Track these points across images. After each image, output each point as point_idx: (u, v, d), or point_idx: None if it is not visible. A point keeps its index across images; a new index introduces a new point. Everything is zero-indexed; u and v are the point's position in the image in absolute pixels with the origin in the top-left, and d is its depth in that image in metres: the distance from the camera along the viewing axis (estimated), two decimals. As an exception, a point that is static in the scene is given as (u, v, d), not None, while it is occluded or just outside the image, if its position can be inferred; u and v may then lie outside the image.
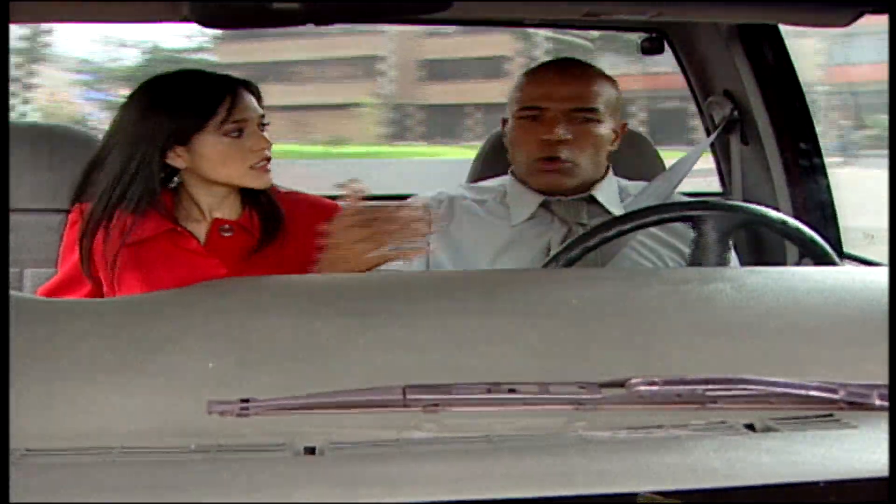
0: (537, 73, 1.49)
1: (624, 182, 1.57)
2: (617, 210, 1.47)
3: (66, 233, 1.54)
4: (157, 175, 1.47)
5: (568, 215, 1.46)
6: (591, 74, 1.47)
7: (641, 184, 1.58)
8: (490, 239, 1.46)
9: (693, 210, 1.26)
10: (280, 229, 1.55)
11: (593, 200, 1.48)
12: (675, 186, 1.59)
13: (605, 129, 1.45)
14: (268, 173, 1.51)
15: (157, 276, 1.43)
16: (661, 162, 1.80)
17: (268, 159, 1.51)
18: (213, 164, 1.48)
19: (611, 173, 1.53)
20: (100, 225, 1.45)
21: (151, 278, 1.43)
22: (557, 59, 1.54)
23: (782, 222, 1.25)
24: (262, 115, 1.52)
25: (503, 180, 1.54)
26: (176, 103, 1.46)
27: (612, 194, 1.50)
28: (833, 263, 1.23)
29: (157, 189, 1.48)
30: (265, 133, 1.51)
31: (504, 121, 1.55)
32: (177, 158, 1.48)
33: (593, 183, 1.49)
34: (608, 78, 1.49)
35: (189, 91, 1.47)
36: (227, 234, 1.54)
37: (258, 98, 1.52)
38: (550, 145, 1.42)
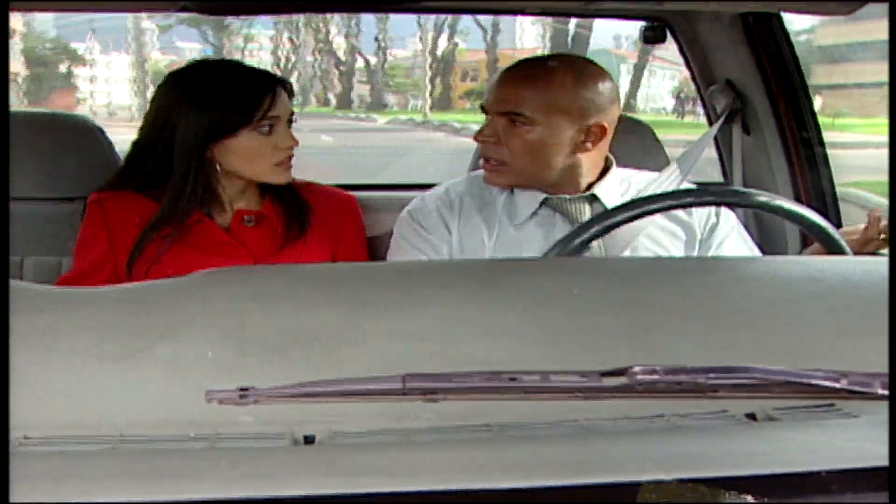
0: (499, 75, 1.50)
1: (626, 172, 1.56)
2: None
3: (86, 222, 1.53)
4: (207, 170, 1.49)
5: (572, 213, 1.47)
6: (534, 78, 1.43)
7: (645, 174, 1.58)
8: (494, 237, 1.46)
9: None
10: (307, 220, 1.56)
11: (595, 199, 1.48)
12: (686, 176, 1.58)
13: (547, 132, 1.42)
14: (290, 170, 1.53)
15: (185, 266, 1.43)
16: (663, 150, 1.79)
17: (292, 157, 1.52)
18: (241, 159, 1.49)
19: (613, 170, 1.52)
20: (173, 223, 1.46)
21: (180, 268, 1.43)
22: (525, 60, 1.52)
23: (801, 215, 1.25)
24: (293, 113, 1.53)
25: None
26: (223, 99, 1.47)
27: (614, 192, 1.50)
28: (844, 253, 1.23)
29: (211, 183, 1.50)
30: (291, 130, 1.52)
31: None
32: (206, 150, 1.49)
33: (593, 182, 1.49)
34: (573, 81, 1.43)
35: (236, 87, 1.48)
36: (249, 225, 1.55)
37: (291, 96, 1.54)
38: (481, 144, 1.48)
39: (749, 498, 0.55)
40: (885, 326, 0.74)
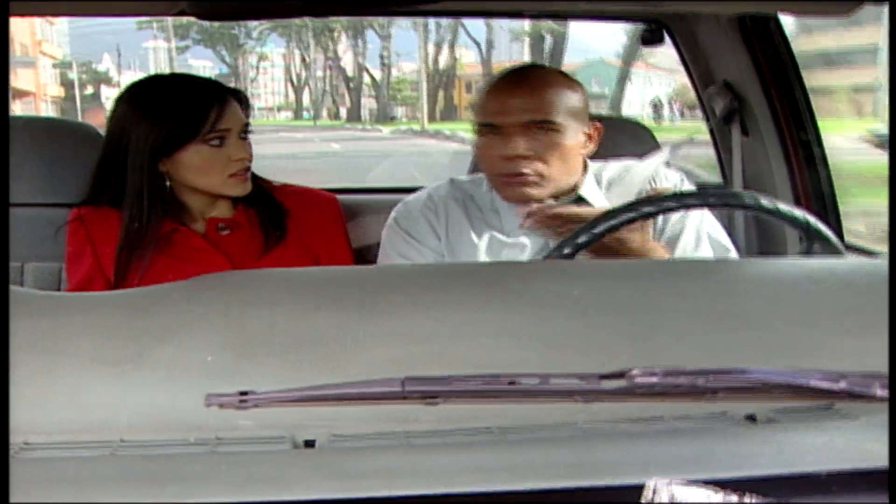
0: (494, 87, 1.44)
1: (596, 165, 1.55)
2: (602, 205, 1.46)
3: (70, 239, 1.53)
4: (162, 182, 1.49)
5: None
6: (547, 84, 1.41)
7: (614, 162, 1.57)
8: (485, 247, 1.46)
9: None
10: (284, 225, 1.55)
11: (582, 200, 1.47)
12: (655, 167, 1.57)
13: (571, 137, 1.41)
14: (246, 182, 1.52)
15: (168, 276, 1.43)
16: (660, 150, 1.80)
17: (247, 168, 1.51)
18: (193, 171, 1.48)
19: (590, 168, 1.51)
20: (143, 238, 1.46)
21: (164, 279, 1.43)
22: (515, 69, 1.48)
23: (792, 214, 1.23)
24: (247, 124, 1.52)
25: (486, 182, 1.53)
26: (170, 112, 1.46)
27: (595, 190, 1.49)
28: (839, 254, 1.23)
29: (165, 195, 1.50)
30: (247, 141, 1.51)
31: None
32: (159, 164, 1.49)
33: (576, 185, 1.48)
34: (569, 83, 1.43)
35: (182, 100, 1.47)
36: (224, 232, 1.54)
37: (246, 106, 1.53)
38: (512, 161, 1.40)
39: (749, 499, 0.55)
40: (884, 327, 0.74)
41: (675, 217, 1.47)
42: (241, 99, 1.52)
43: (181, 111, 1.45)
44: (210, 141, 1.46)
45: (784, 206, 1.19)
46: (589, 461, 0.61)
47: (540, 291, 0.91)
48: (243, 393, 0.68)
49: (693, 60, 2.01)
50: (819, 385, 0.68)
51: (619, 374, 0.68)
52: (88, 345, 0.78)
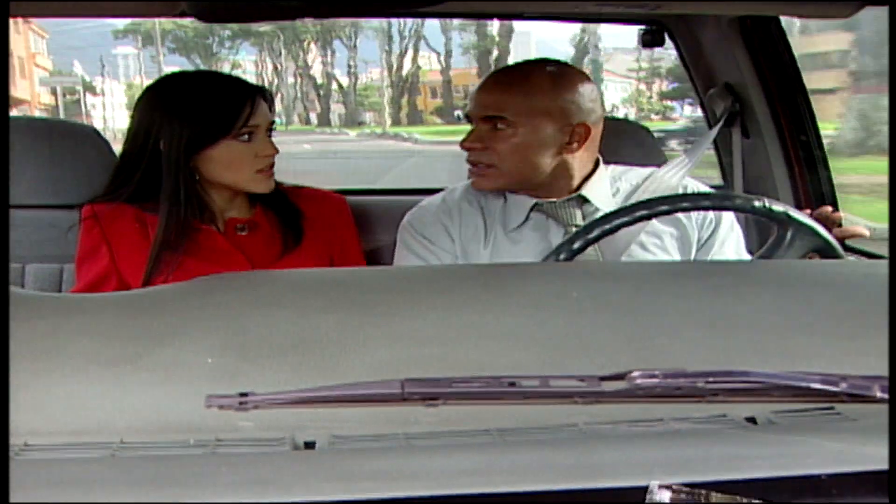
0: (480, 84, 1.53)
1: (619, 169, 1.56)
2: (609, 207, 1.46)
3: (84, 237, 1.53)
4: (193, 180, 1.50)
5: (562, 217, 1.47)
6: (510, 82, 1.47)
7: (639, 169, 1.58)
8: (489, 244, 1.47)
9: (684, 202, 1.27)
10: (301, 227, 1.57)
11: (585, 200, 1.48)
12: (680, 179, 1.58)
13: (529, 134, 1.44)
14: (271, 178, 1.53)
15: (190, 274, 1.44)
16: (661, 152, 1.80)
17: (272, 165, 1.53)
18: (222, 168, 1.49)
19: (601, 169, 1.52)
20: (182, 237, 1.47)
21: (185, 277, 1.44)
22: (500, 68, 1.56)
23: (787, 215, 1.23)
24: (272, 122, 1.53)
25: None
26: (204, 109, 1.47)
27: (603, 191, 1.50)
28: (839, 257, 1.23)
29: (200, 193, 1.51)
30: (271, 138, 1.53)
31: None
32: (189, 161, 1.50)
33: (581, 183, 1.49)
34: (551, 84, 1.45)
35: (216, 97, 1.49)
36: (243, 233, 1.55)
37: (271, 105, 1.54)
38: (467, 150, 1.49)
39: (749, 502, 0.55)
40: (884, 329, 0.74)
41: (723, 230, 1.49)
42: (267, 97, 1.53)
43: (216, 107, 1.47)
44: (240, 136, 1.47)
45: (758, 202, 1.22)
46: (589, 463, 0.61)
47: (539, 293, 0.91)
48: (243, 394, 0.68)
49: (694, 63, 2.01)
50: (819, 387, 0.68)
51: (620, 376, 0.68)
52: (89, 346, 0.78)
